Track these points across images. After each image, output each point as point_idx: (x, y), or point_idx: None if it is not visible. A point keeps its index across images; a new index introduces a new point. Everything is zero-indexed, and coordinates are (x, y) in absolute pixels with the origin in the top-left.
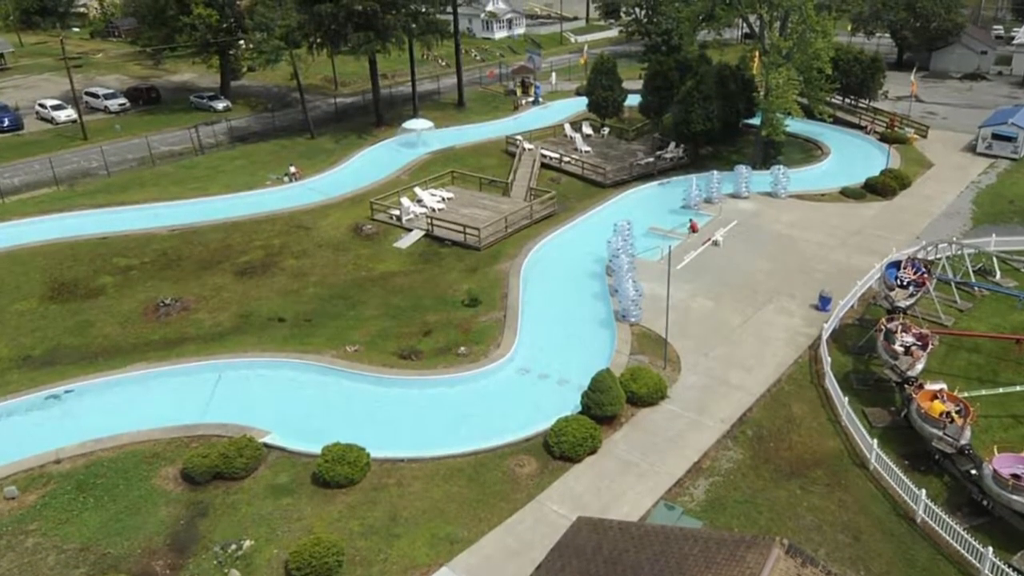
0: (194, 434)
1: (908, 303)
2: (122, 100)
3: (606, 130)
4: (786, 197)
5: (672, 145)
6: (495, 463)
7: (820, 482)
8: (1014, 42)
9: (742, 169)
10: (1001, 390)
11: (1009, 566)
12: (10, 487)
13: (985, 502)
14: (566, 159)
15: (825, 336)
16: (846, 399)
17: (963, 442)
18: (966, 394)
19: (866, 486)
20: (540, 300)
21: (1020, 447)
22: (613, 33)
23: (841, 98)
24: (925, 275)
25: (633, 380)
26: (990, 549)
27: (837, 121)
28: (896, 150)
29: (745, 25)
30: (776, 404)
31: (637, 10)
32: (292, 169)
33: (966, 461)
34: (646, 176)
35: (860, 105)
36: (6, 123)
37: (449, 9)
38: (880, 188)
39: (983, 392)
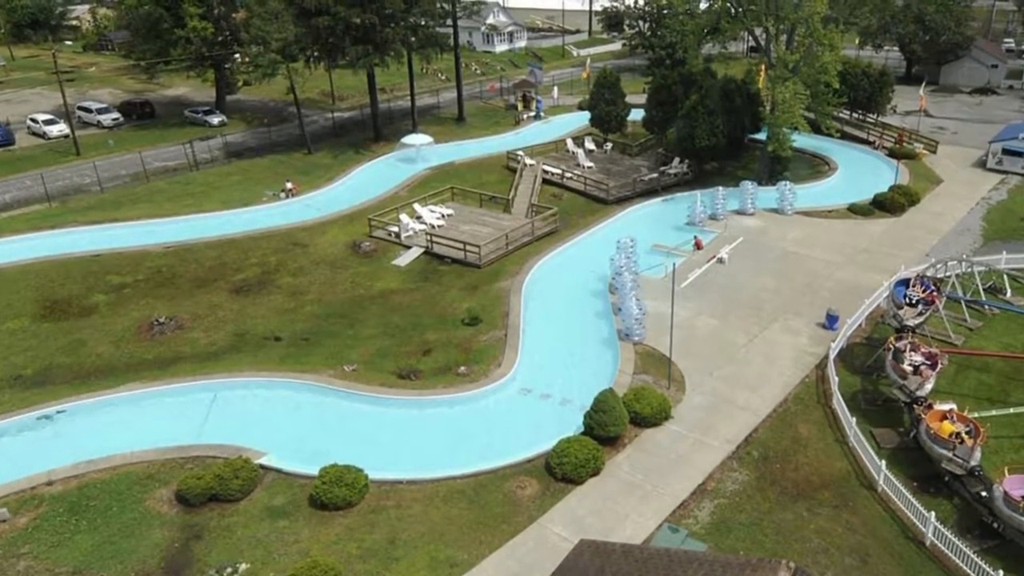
0: (189, 455)
1: (917, 322)
2: (115, 115)
3: (609, 145)
4: (792, 214)
5: (676, 161)
6: (496, 485)
7: (827, 504)
8: None
9: (747, 185)
10: (1012, 410)
11: None
12: (1, 509)
13: (996, 524)
14: (568, 175)
15: (832, 355)
16: (854, 419)
17: (973, 463)
18: (976, 414)
19: (874, 508)
20: (542, 319)
21: None
22: (616, 46)
23: (849, 113)
24: (934, 293)
25: (636, 400)
26: (1000, 572)
27: (845, 136)
28: (905, 166)
29: (751, 38)
30: (782, 425)
31: (641, 23)
32: (289, 185)
33: (976, 483)
34: (650, 192)
35: (868, 120)
36: None
37: (449, 22)
38: (888, 204)
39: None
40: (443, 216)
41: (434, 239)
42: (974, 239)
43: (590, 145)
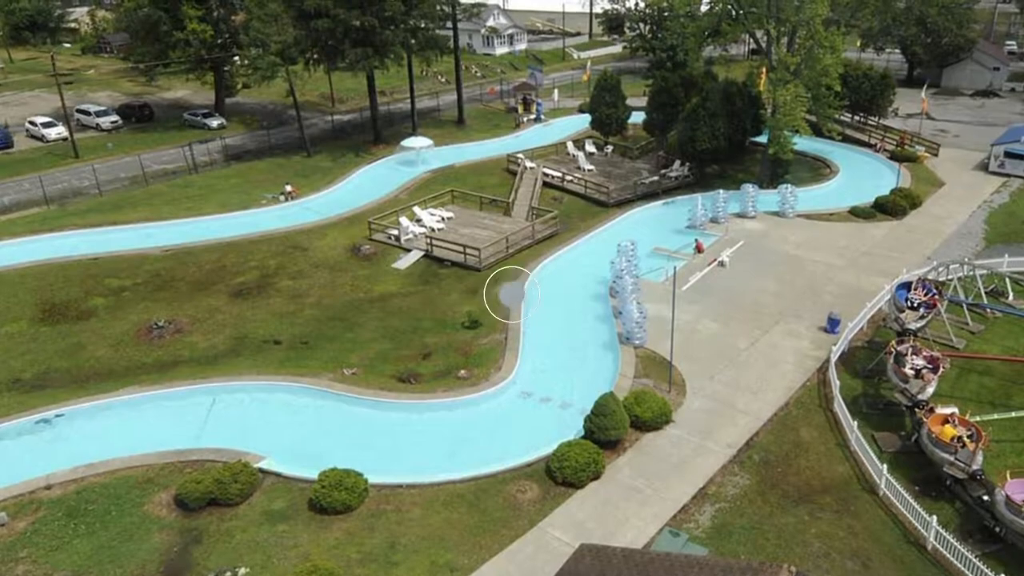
0: (188, 459)
1: (919, 325)
2: (114, 117)
3: (609, 148)
4: (794, 217)
5: (677, 163)
6: (496, 489)
7: (828, 508)
8: None
9: (749, 188)
10: (1014, 414)
11: None
12: (0, 513)
13: (997, 529)
14: (568, 178)
15: (834, 359)
16: (855, 423)
17: (975, 467)
18: (978, 418)
19: (876, 512)
20: (542, 322)
21: None
22: (617, 49)
23: (850, 115)
24: (936, 296)
25: (637, 404)
26: None
27: (846, 139)
28: (906, 169)
29: (752, 41)
30: (784, 428)
31: (641, 25)
32: (288, 188)
33: (978, 487)
34: (650, 195)
35: (869, 123)
36: None
37: (449, 24)
38: (890, 207)
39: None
40: (443, 219)
41: (434, 242)
42: (976, 242)
43: (590, 148)
